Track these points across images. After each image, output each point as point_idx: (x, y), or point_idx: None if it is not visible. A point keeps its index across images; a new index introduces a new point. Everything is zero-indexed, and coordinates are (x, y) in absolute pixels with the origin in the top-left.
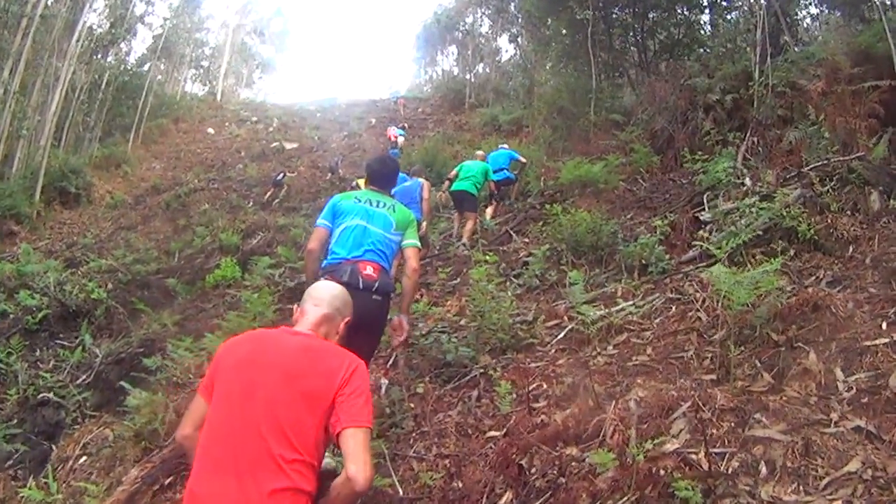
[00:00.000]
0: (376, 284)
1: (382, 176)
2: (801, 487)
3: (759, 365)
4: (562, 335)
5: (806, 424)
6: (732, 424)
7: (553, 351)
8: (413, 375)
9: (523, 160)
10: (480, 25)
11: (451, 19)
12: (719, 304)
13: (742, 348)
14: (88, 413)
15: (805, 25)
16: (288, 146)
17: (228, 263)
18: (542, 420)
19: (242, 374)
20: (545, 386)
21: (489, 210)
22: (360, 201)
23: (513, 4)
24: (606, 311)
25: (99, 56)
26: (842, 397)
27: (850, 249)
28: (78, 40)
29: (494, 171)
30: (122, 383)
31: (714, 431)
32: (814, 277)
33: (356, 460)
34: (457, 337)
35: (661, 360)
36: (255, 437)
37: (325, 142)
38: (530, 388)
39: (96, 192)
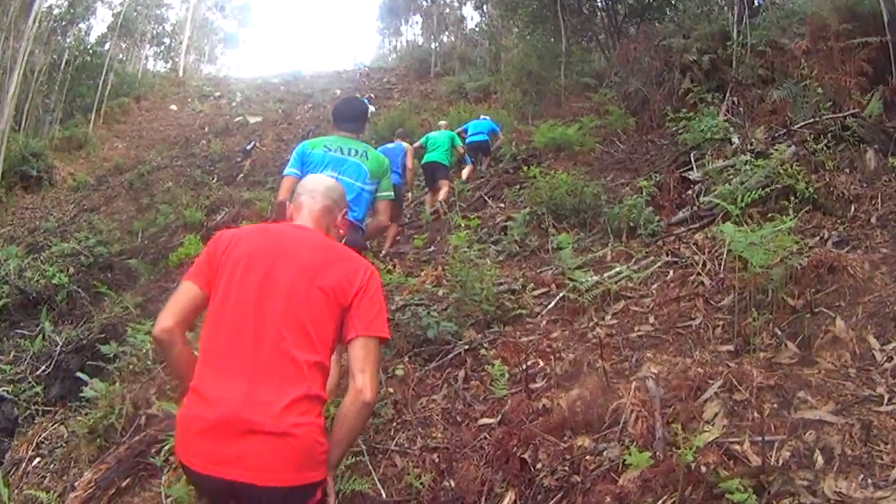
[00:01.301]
0: (343, 241)
1: (350, 117)
2: (867, 480)
3: (779, 333)
4: (552, 304)
5: (856, 402)
6: (775, 406)
7: (545, 322)
8: (390, 354)
9: (501, 137)
10: None
11: None
12: (722, 267)
13: (755, 314)
14: (42, 408)
15: None
16: (252, 120)
17: (192, 240)
18: (543, 405)
19: (256, 265)
20: (542, 363)
21: (465, 172)
22: (329, 150)
23: None
24: (599, 277)
25: (58, 36)
26: (883, 368)
27: (852, 209)
28: (35, 21)
29: (474, 135)
30: (80, 374)
31: (755, 415)
32: (818, 238)
33: (366, 371)
34: (436, 310)
35: (667, 331)
36: (274, 334)
37: (290, 115)
38: (525, 366)
39: (58, 174)
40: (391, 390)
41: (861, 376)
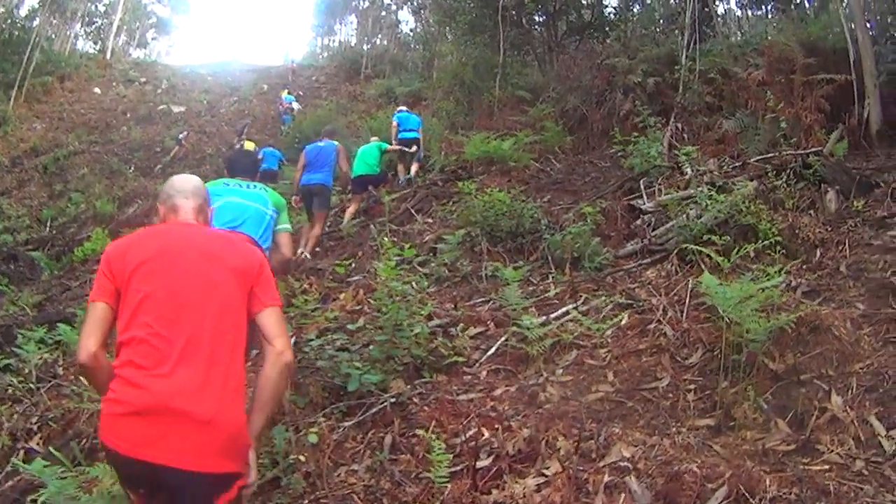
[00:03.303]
0: None
1: (243, 167)
2: None
3: (764, 406)
4: (493, 350)
5: None
6: None
7: (485, 373)
8: (302, 404)
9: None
10: None
11: None
12: (685, 315)
13: (730, 377)
14: None
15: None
16: (175, 109)
17: (100, 235)
18: (494, 501)
19: (165, 261)
20: (487, 433)
21: (413, 168)
22: (229, 185)
23: None
24: (545, 318)
25: None
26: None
27: (818, 254)
28: None
29: (407, 130)
30: None
31: None
32: (784, 286)
33: (281, 335)
34: (357, 351)
35: (631, 394)
36: (195, 322)
37: (215, 106)
38: (467, 436)
39: None
40: (302, 458)
41: (874, 475)
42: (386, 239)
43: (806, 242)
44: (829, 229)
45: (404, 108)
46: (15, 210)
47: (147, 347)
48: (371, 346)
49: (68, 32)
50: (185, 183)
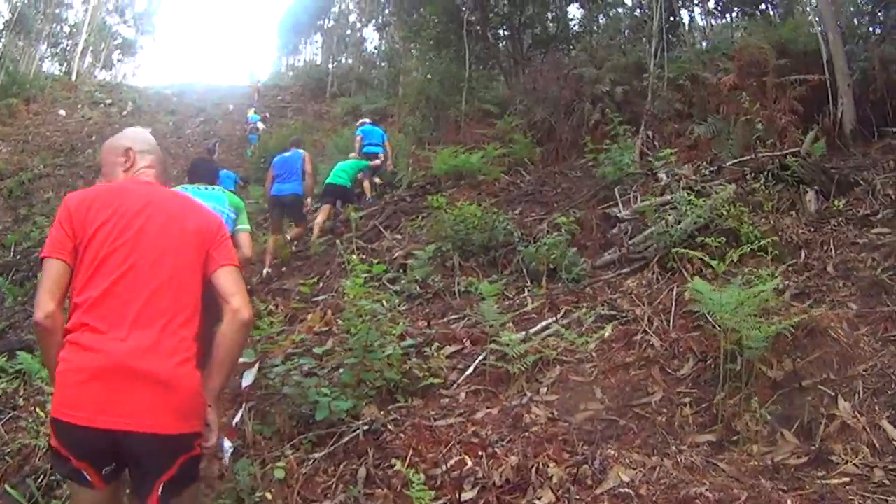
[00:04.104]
0: None
1: (202, 172)
2: None
3: (767, 417)
4: (471, 369)
5: None
6: None
7: (463, 395)
8: (268, 433)
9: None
10: (349, 13)
11: (321, 4)
12: (672, 325)
13: (726, 387)
14: None
15: (689, 26)
16: None
17: None
18: None
19: (126, 226)
20: (470, 462)
21: (376, 180)
22: (187, 189)
23: None
24: (525, 334)
25: None
26: None
27: (802, 255)
28: None
29: (372, 144)
30: None
31: None
32: (773, 289)
33: (237, 293)
34: (326, 375)
35: (623, 411)
36: (153, 282)
37: (180, 127)
38: (448, 465)
39: None
40: (269, 495)
41: None
42: (354, 256)
43: (790, 244)
44: (812, 230)
45: (367, 120)
46: None
47: (103, 310)
48: (341, 370)
49: (34, 54)
50: (146, 136)
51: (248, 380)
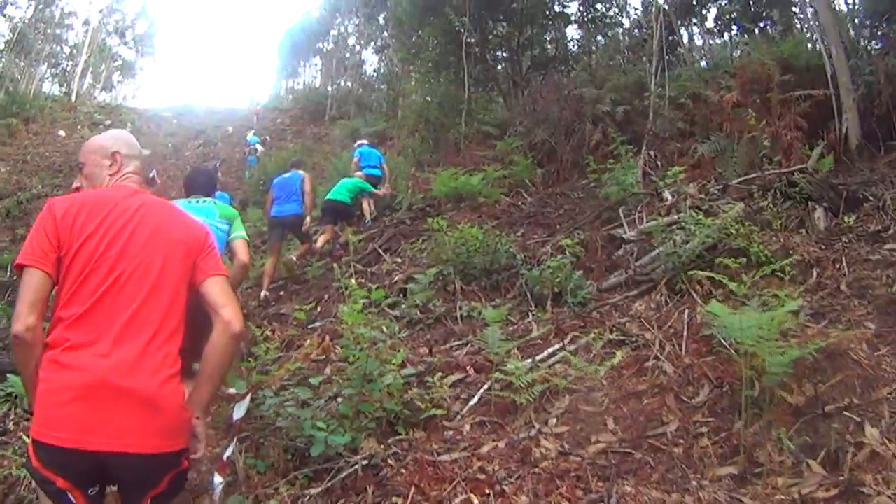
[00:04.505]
0: None
1: (198, 184)
2: None
3: (791, 446)
4: (475, 400)
5: None
6: None
7: (468, 427)
8: (262, 468)
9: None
10: (347, 35)
11: (320, 26)
12: (684, 349)
13: (745, 415)
14: None
15: (688, 45)
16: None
17: None
18: None
19: (112, 238)
20: (476, 500)
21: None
22: (178, 203)
23: (382, 15)
24: (531, 361)
25: None
26: None
27: (814, 274)
28: None
29: (369, 166)
30: None
31: None
32: (787, 311)
33: (228, 304)
34: (323, 408)
35: (637, 443)
36: (137, 298)
37: (180, 149)
38: None
39: None
40: None
41: None
42: (352, 280)
43: (801, 263)
44: (823, 248)
45: (365, 141)
46: None
47: (86, 325)
48: (339, 399)
49: (34, 74)
50: (131, 139)
51: (239, 412)
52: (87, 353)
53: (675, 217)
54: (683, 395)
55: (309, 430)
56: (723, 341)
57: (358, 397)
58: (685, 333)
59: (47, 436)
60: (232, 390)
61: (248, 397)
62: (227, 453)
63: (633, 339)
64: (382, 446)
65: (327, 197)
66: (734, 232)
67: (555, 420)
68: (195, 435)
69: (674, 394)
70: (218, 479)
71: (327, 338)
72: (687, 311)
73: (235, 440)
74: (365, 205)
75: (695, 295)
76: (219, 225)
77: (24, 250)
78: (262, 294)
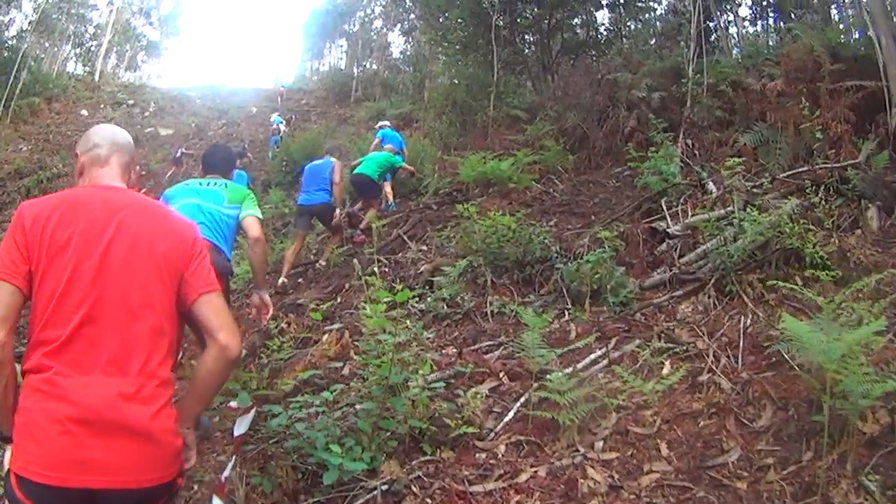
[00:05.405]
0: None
1: (215, 161)
2: None
3: (870, 486)
4: (510, 415)
5: None
6: None
7: (503, 449)
8: (268, 488)
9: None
10: (374, 18)
11: (346, 8)
12: (740, 361)
13: (813, 445)
14: None
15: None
16: (163, 132)
17: None
18: None
19: (85, 244)
20: None
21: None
22: (189, 185)
23: None
24: (570, 369)
25: None
26: None
27: (873, 281)
28: None
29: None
30: None
31: None
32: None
33: (224, 327)
34: (337, 422)
35: (695, 475)
36: (121, 318)
37: (203, 129)
38: None
39: None
40: None
41: None
42: (374, 277)
43: (858, 266)
44: (880, 250)
45: (387, 123)
46: None
47: (71, 353)
48: (357, 406)
49: (58, 53)
50: (113, 134)
51: (241, 428)
52: (74, 382)
53: (725, 211)
54: (743, 417)
55: (321, 455)
56: (784, 355)
57: (378, 412)
58: (741, 343)
59: (33, 473)
60: (234, 403)
61: (252, 412)
62: (227, 473)
63: (683, 348)
64: (405, 469)
65: (355, 171)
66: (787, 231)
67: (601, 443)
68: (186, 444)
69: (733, 415)
70: (217, 501)
71: (346, 334)
72: (742, 318)
73: (235, 458)
74: (387, 188)
75: (745, 297)
76: (225, 211)
77: None
78: (280, 280)
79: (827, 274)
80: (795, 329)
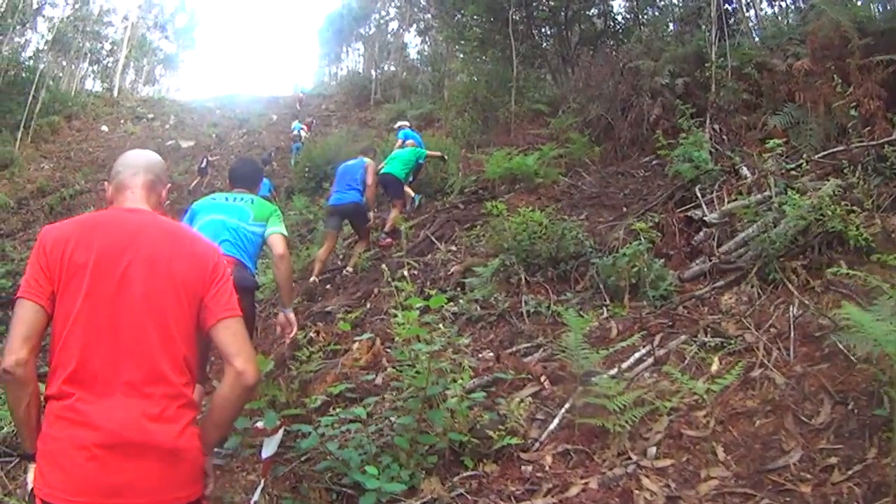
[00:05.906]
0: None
1: (241, 175)
2: None
3: None
4: (555, 422)
5: None
6: None
7: (550, 460)
8: None
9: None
10: (389, 19)
11: (361, 11)
12: (792, 353)
13: (876, 442)
14: None
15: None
16: (184, 144)
17: None
18: None
19: (105, 267)
20: None
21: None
22: (215, 199)
23: None
24: (615, 370)
25: None
26: None
27: None
28: None
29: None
30: None
31: None
32: None
33: (241, 353)
34: (372, 435)
35: (756, 479)
36: (141, 342)
37: (224, 140)
38: None
39: None
40: None
41: None
42: (405, 282)
43: None
44: None
45: (406, 123)
46: (18, 253)
47: (93, 378)
48: (393, 419)
49: (75, 71)
50: (136, 157)
51: (269, 450)
52: (96, 408)
53: (762, 196)
54: (801, 414)
55: (356, 477)
56: (840, 346)
57: (415, 426)
58: (792, 334)
59: (59, 499)
60: (260, 423)
61: (280, 433)
62: (255, 497)
63: (731, 342)
64: (446, 486)
65: (383, 171)
66: (830, 213)
67: (654, 449)
68: (205, 472)
69: (791, 413)
70: None
71: (377, 341)
72: (789, 307)
73: (263, 482)
74: (407, 189)
75: (790, 286)
76: (250, 228)
77: (22, 283)
78: (312, 279)
79: (880, 257)
80: (857, 317)
